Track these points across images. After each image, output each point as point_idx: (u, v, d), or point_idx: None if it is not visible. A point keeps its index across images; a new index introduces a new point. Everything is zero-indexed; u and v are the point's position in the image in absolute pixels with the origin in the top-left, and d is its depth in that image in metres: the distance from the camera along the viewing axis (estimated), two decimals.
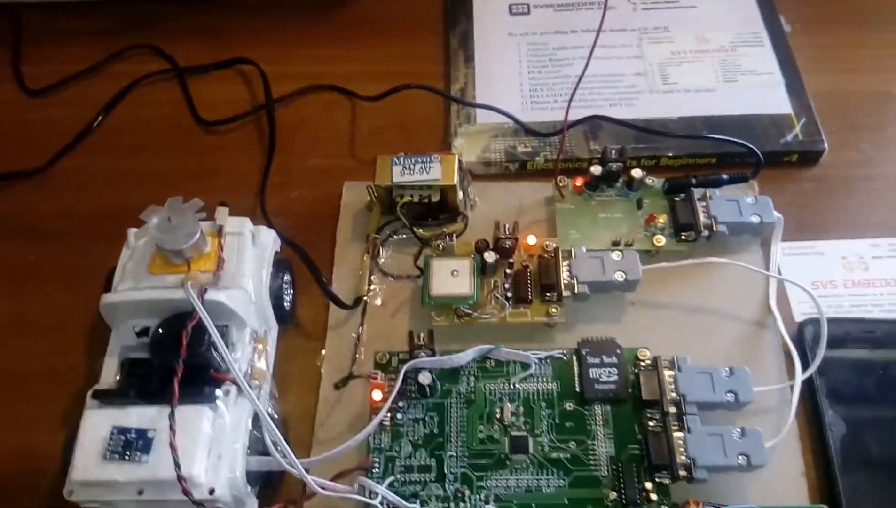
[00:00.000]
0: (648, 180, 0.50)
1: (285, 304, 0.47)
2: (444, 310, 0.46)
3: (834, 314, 0.47)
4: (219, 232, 0.43)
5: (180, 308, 0.39)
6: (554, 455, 0.41)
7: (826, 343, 0.43)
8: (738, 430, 0.40)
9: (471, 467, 0.41)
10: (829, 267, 0.49)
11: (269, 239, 0.45)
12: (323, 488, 0.37)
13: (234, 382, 0.39)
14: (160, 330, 0.39)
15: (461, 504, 0.40)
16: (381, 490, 0.38)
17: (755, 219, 0.47)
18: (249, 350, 0.42)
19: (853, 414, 0.43)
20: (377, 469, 0.41)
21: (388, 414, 0.42)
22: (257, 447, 0.40)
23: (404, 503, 0.39)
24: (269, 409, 0.42)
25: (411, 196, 0.47)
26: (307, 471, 0.38)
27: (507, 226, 0.46)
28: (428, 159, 0.47)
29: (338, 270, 0.50)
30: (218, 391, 0.39)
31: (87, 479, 0.36)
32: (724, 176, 0.49)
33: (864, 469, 0.41)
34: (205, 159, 0.56)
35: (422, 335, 0.43)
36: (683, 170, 0.52)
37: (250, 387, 0.40)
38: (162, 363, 0.38)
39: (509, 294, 0.46)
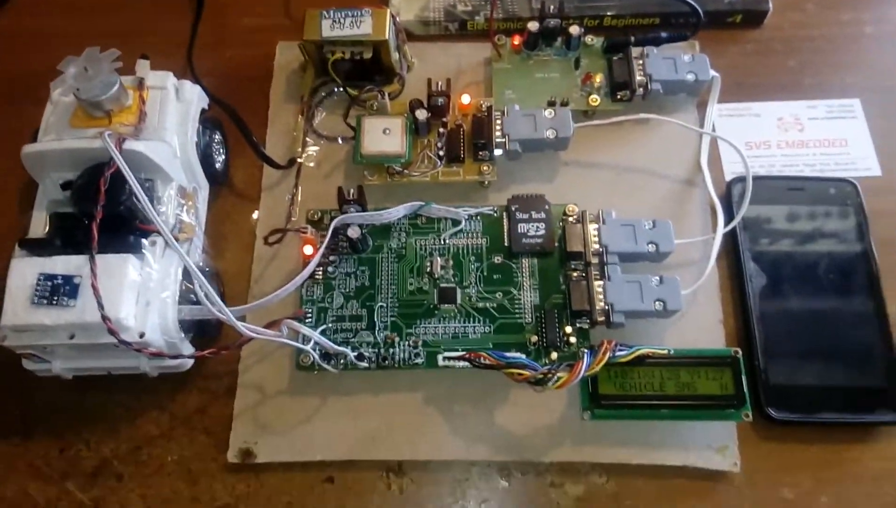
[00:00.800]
0: (588, 39, 0.49)
1: (216, 164, 0.47)
2: (377, 169, 0.46)
3: (765, 173, 0.47)
4: (139, 85, 0.42)
5: (101, 159, 0.39)
6: (481, 304, 0.42)
7: (753, 200, 0.44)
8: (657, 278, 0.41)
9: (400, 316, 0.42)
10: (764, 128, 0.49)
11: (194, 94, 0.45)
12: (254, 333, 0.38)
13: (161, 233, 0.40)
14: (81, 179, 0.39)
15: (391, 349, 0.41)
16: (307, 330, 0.39)
17: (690, 77, 0.47)
18: (176, 205, 0.42)
19: (774, 267, 0.44)
20: (310, 319, 0.42)
21: (321, 268, 0.43)
22: (189, 297, 0.40)
23: (334, 345, 0.40)
24: (201, 263, 0.43)
25: (342, 53, 0.46)
26: (243, 320, 0.39)
27: (439, 83, 0.46)
28: (358, 13, 0.46)
29: (271, 131, 0.49)
30: (144, 242, 0.39)
31: (16, 324, 0.37)
32: (663, 34, 0.49)
33: (780, 318, 0.43)
34: (135, 20, 0.54)
35: (351, 191, 0.43)
36: (626, 31, 0.51)
37: (178, 240, 0.40)
38: (84, 211, 0.38)
39: (442, 153, 0.46)
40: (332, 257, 0.43)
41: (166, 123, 0.42)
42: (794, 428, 0.41)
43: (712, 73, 0.47)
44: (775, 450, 0.41)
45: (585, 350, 0.39)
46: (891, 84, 0.51)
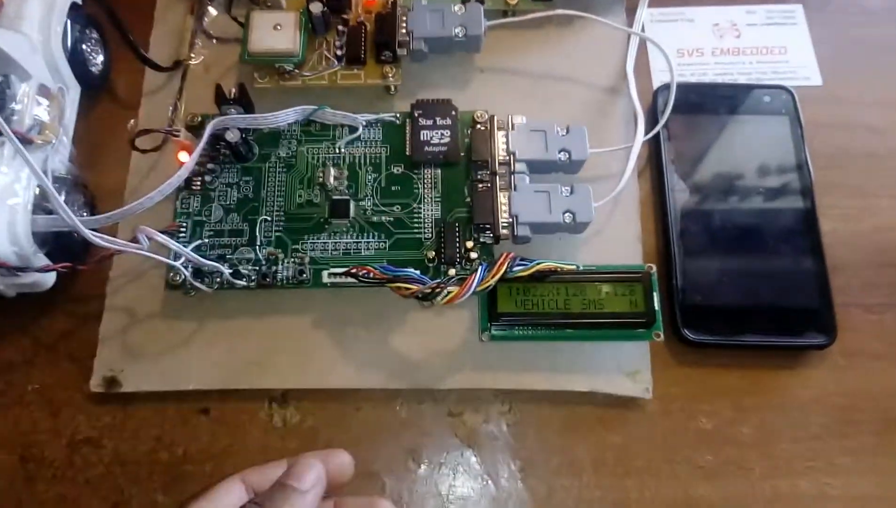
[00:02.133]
0: None
1: (92, 67, 0.42)
2: (268, 71, 0.41)
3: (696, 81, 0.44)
4: None
5: None
6: (376, 218, 0.38)
7: (681, 109, 0.41)
8: (567, 188, 0.37)
9: (286, 231, 0.38)
10: (698, 35, 0.45)
11: None
12: (107, 243, 0.34)
13: (15, 133, 0.35)
14: None
15: (273, 267, 0.37)
16: (163, 239, 0.34)
17: None
18: (34, 104, 0.37)
19: (699, 181, 0.40)
20: (183, 234, 0.38)
21: (199, 179, 0.39)
22: (47, 207, 0.36)
23: (203, 259, 0.36)
24: (62, 171, 0.38)
25: None
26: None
27: None
28: None
29: (157, 31, 0.44)
30: None
31: None
32: None
33: (703, 235, 0.39)
34: None
35: (232, 90, 0.38)
36: None
37: (32, 143, 0.36)
38: None
39: (340, 53, 0.41)
40: (211, 166, 0.39)
41: (25, 13, 0.38)
42: (713, 352, 0.38)
43: None
44: (693, 376, 0.38)
45: (481, 264, 0.35)
46: None
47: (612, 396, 0.37)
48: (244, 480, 0.28)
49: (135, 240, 0.35)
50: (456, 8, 0.41)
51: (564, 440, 0.36)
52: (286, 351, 0.38)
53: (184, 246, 0.37)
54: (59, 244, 0.38)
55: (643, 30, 0.44)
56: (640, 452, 0.36)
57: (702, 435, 0.37)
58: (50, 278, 0.37)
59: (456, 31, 0.40)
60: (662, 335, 0.35)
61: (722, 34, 0.45)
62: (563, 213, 0.36)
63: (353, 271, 0.35)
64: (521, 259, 0.35)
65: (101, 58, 0.43)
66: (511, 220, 0.36)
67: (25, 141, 0.36)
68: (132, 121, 0.42)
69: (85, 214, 0.40)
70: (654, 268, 0.36)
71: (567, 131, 0.38)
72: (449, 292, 0.33)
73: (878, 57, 0.44)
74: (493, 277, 0.34)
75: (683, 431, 0.37)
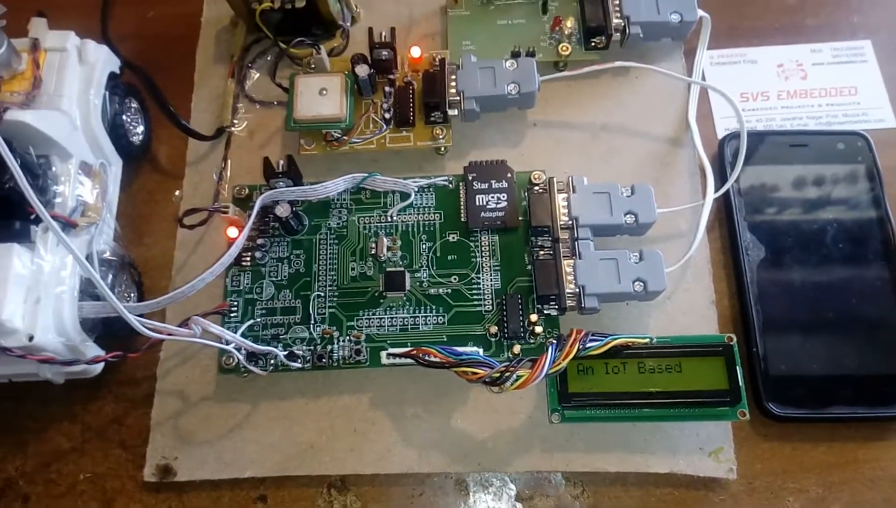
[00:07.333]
0: None
1: (133, 137, 0.41)
2: (314, 137, 0.40)
3: (764, 128, 0.41)
4: (34, 47, 0.36)
5: None
6: (433, 290, 0.36)
7: (749, 159, 0.38)
8: (636, 254, 0.35)
9: (340, 307, 0.36)
10: (761, 77, 0.43)
11: (100, 56, 0.38)
12: (157, 333, 0.33)
13: (57, 218, 0.34)
14: None
15: (329, 346, 0.36)
16: (218, 329, 0.33)
17: (675, 18, 0.40)
18: (77, 184, 0.36)
19: (775, 238, 0.38)
20: (235, 313, 0.37)
21: (249, 254, 0.37)
22: (94, 291, 0.35)
23: (256, 345, 0.34)
24: (107, 252, 0.37)
25: (271, 1, 0.40)
26: (161, 316, 0.33)
27: (383, 34, 0.39)
28: None
29: (198, 97, 0.43)
30: (35, 229, 0.34)
31: None
32: None
33: (783, 297, 0.37)
34: None
35: (281, 162, 0.37)
36: None
37: (77, 226, 0.35)
38: None
39: (388, 116, 0.40)
40: (260, 241, 0.38)
41: (64, 89, 0.37)
42: (800, 426, 0.35)
43: (700, 13, 0.40)
44: (778, 452, 0.35)
45: (552, 342, 0.33)
46: None
47: (693, 476, 0.34)
48: None
49: (185, 324, 0.34)
50: (507, 64, 0.39)
51: None
52: (344, 434, 0.36)
53: (236, 327, 0.36)
54: (109, 328, 0.37)
55: (703, 74, 0.42)
56: None
57: None
58: (99, 365, 0.36)
59: (509, 88, 0.38)
60: (748, 415, 0.33)
61: (787, 76, 0.42)
62: (634, 282, 0.34)
63: (413, 353, 0.33)
64: (594, 335, 0.33)
65: (141, 127, 0.42)
66: (577, 290, 0.34)
67: (69, 225, 0.35)
68: (177, 192, 0.41)
69: (133, 294, 0.38)
70: (735, 339, 0.34)
71: (632, 192, 0.36)
72: (519, 377, 0.31)
73: None
74: (565, 357, 0.32)
75: None
